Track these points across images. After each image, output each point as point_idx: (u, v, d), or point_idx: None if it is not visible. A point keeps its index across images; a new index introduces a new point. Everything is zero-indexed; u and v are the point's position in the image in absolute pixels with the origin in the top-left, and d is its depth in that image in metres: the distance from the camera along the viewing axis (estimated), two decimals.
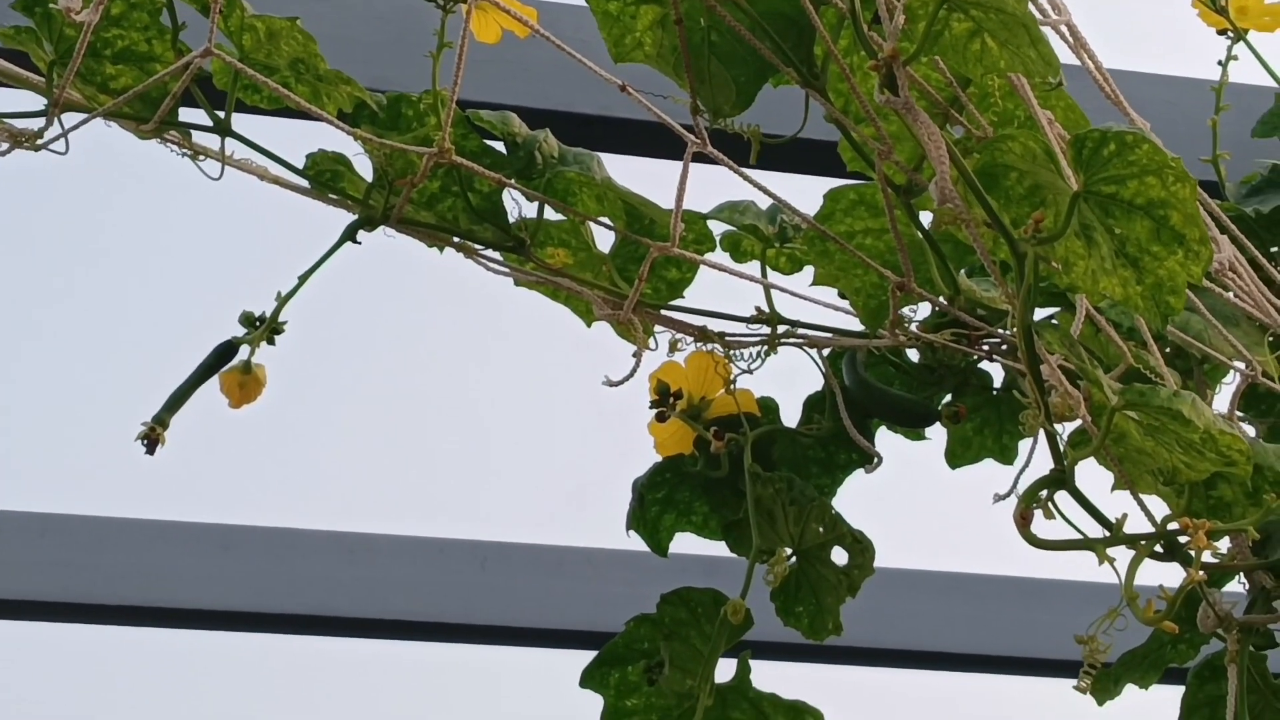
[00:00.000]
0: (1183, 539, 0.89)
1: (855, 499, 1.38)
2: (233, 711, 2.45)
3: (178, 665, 2.42)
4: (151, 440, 1.17)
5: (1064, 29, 0.94)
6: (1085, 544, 0.89)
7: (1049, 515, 0.88)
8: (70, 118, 1.14)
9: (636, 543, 1.88)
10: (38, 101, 1.17)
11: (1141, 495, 0.97)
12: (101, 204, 2.16)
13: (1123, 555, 0.91)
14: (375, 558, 2.23)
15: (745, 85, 1.05)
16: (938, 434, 1.43)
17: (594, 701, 1.30)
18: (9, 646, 2.30)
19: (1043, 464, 1.36)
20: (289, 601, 2.18)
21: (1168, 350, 1.23)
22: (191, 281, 2.27)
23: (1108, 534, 0.90)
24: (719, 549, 1.39)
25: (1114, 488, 0.99)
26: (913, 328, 1.25)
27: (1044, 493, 0.89)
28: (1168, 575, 0.97)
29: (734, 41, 1.03)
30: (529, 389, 2.40)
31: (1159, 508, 0.98)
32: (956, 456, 1.43)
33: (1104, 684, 1.16)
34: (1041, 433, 0.99)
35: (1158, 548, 0.93)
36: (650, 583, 2.24)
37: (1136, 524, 0.93)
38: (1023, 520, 0.86)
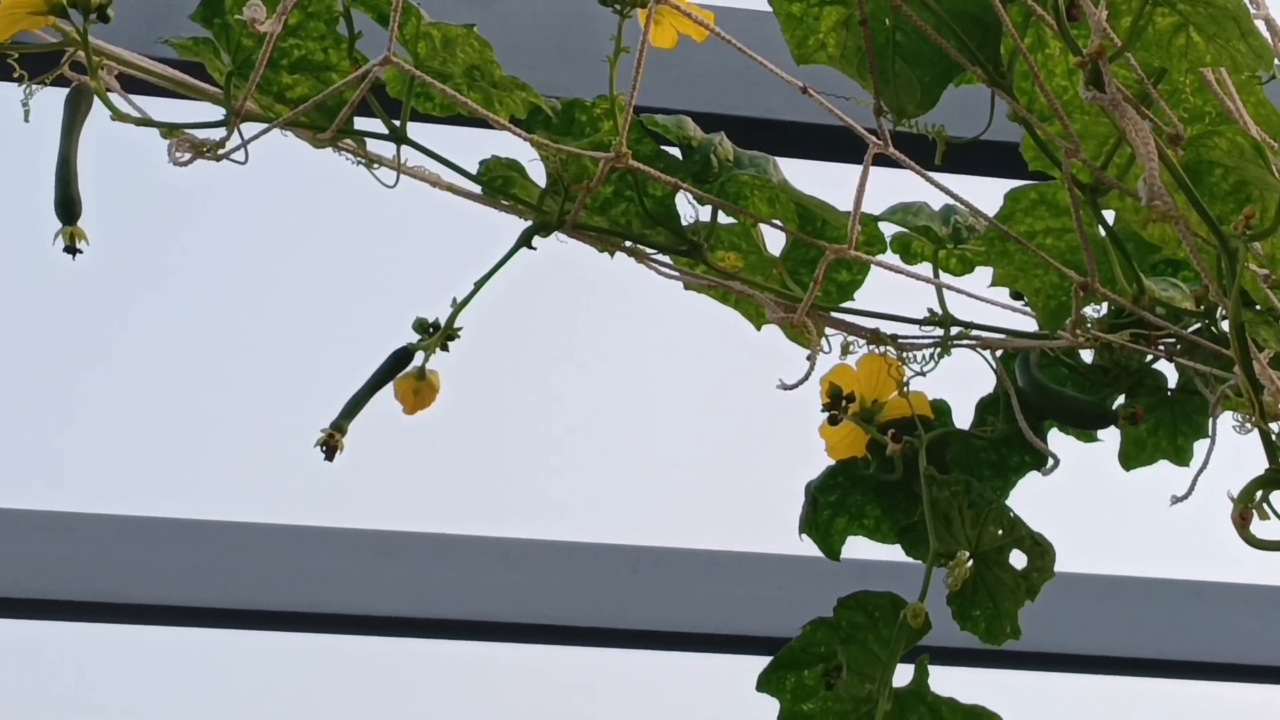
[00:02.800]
0: None
1: (1029, 501, 1.36)
2: (385, 714, 2.47)
3: (333, 669, 2.44)
4: (330, 447, 1.17)
5: (1263, 22, 0.92)
6: None
7: (1264, 516, 0.87)
8: (248, 127, 1.15)
9: (790, 546, 1.86)
10: (207, 111, 1.18)
11: None
12: (274, 211, 2.18)
13: None
14: (527, 563, 2.23)
15: (930, 85, 1.04)
16: (1109, 435, 1.41)
17: (752, 706, 1.29)
18: (175, 653, 2.33)
19: (1220, 465, 1.35)
20: (445, 607, 2.19)
21: None
22: (365, 288, 2.29)
23: None
24: (873, 552, 1.38)
25: None
26: (1090, 328, 1.24)
27: (1259, 493, 0.87)
28: None
29: (919, 41, 1.02)
30: (698, 393, 2.40)
31: None
32: (1130, 458, 1.41)
33: None
34: (1242, 423, 0.97)
35: None
36: (802, 586, 2.25)
37: None
38: (1241, 520, 0.84)
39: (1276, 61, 1.01)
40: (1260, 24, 0.94)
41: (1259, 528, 0.87)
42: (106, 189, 1.16)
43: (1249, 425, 0.90)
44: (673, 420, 2.47)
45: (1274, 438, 0.90)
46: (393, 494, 2.25)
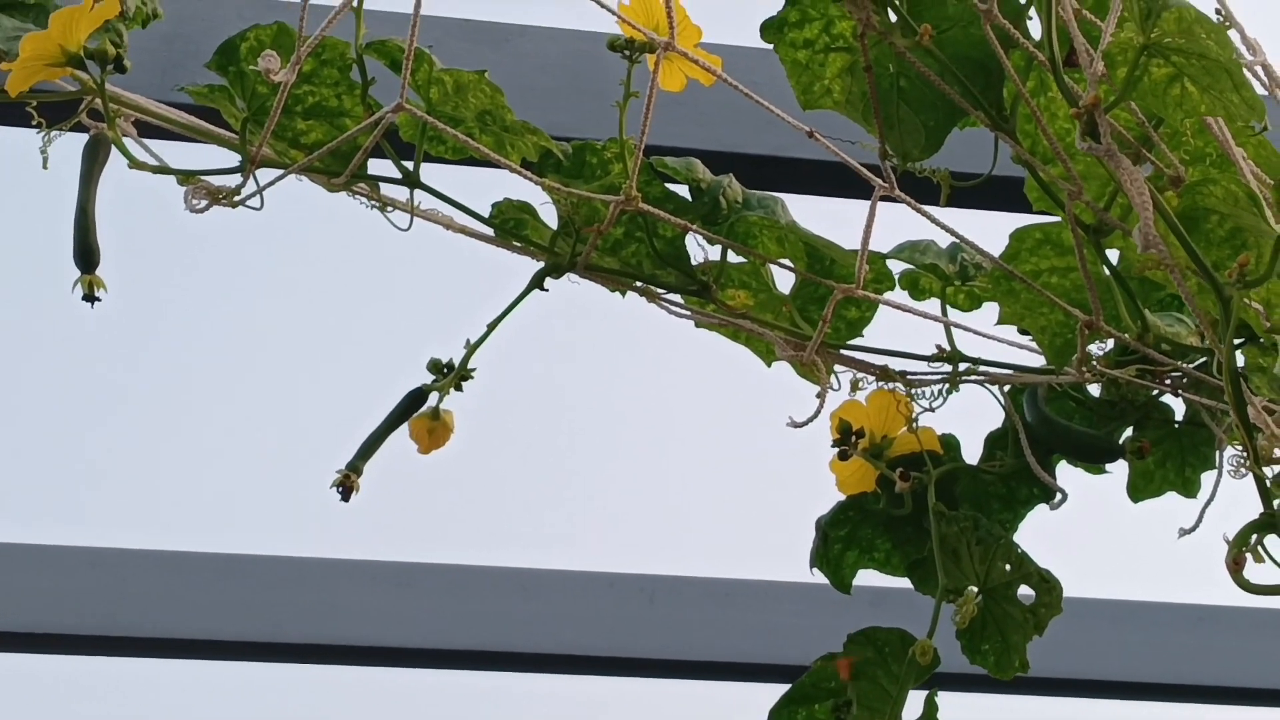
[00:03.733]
0: None
1: (1036, 529, 1.38)
2: None
3: (353, 702, 2.45)
4: (346, 487, 1.19)
5: (1260, 69, 0.93)
6: None
7: (1259, 559, 0.88)
8: (263, 173, 1.17)
9: (802, 575, 1.87)
10: (223, 156, 1.20)
11: None
12: (289, 254, 2.20)
13: None
14: (543, 593, 2.24)
15: (934, 130, 1.05)
16: (1117, 467, 1.42)
17: None
18: (195, 687, 2.35)
19: (1226, 496, 1.36)
20: (463, 638, 2.21)
21: None
22: (380, 329, 2.31)
23: None
24: (885, 580, 1.40)
25: None
26: (1096, 364, 1.25)
27: (1254, 537, 0.88)
28: None
29: (923, 87, 1.03)
30: (712, 427, 2.41)
31: None
32: (1139, 490, 1.43)
33: None
34: (1236, 468, 0.98)
35: None
36: (816, 614, 2.26)
37: None
38: (1235, 565, 0.86)
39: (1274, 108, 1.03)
40: (1259, 69, 0.95)
41: (1255, 570, 0.88)
42: (126, 231, 1.18)
43: (1244, 470, 0.92)
44: (687, 453, 2.49)
45: (1268, 482, 0.91)
46: (411, 526, 2.27)
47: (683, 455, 2.48)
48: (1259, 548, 0.87)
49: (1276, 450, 0.92)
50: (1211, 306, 0.90)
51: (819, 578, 1.39)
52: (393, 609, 2.21)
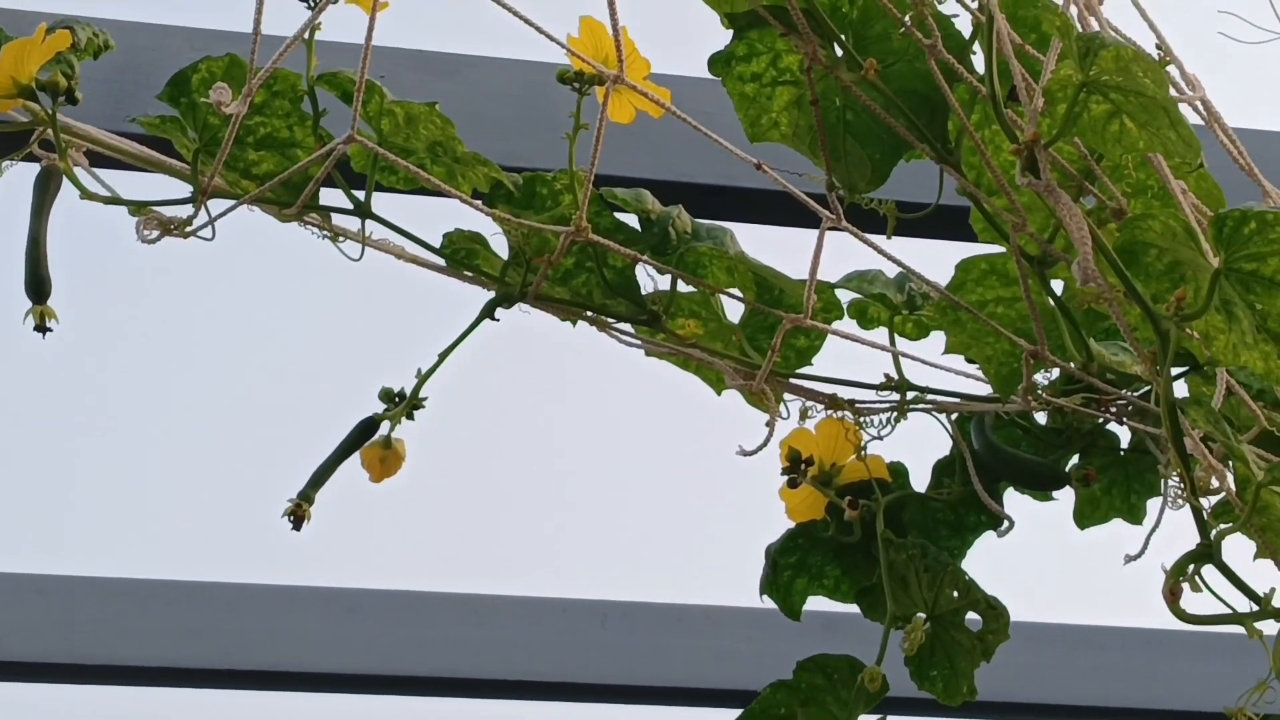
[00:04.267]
0: None
1: (984, 556, 1.39)
2: None
3: None
4: (298, 516, 1.19)
5: (1199, 104, 0.94)
6: (1234, 619, 0.89)
7: (1196, 589, 0.89)
8: (214, 203, 1.17)
9: (755, 600, 1.87)
10: (174, 187, 1.20)
11: None
12: (239, 284, 2.20)
13: (1269, 627, 0.92)
14: (495, 618, 2.25)
15: (880, 162, 1.06)
16: (1064, 494, 1.43)
17: None
18: (145, 712, 2.34)
19: (1171, 524, 1.38)
20: (414, 664, 2.21)
21: None
22: (331, 359, 2.32)
23: (1255, 607, 0.90)
24: (837, 605, 1.40)
25: (1256, 557, 1.00)
26: (1041, 393, 1.26)
27: (1190, 566, 0.89)
28: None
29: (869, 120, 1.04)
30: (662, 454, 2.42)
31: None
32: (1085, 517, 1.44)
33: None
34: (1174, 499, 0.99)
35: None
36: (768, 639, 2.26)
37: None
38: (1172, 596, 0.87)
39: (1224, 139, 1.04)
40: (1198, 104, 0.97)
41: (1192, 600, 0.89)
42: (77, 261, 1.18)
43: (1180, 501, 0.93)
44: (638, 480, 2.49)
45: (1205, 513, 0.93)
46: (360, 552, 2.27)
47: (634, 482, 2.49)
48: (1196, 577, 0.88)
49: (1214, 481, 0.93)
50: (1151, 338, 0.92)
51: (769, 603, 1.40)
52: (343, 635, 2.21)
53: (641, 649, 2.26)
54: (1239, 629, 1.00)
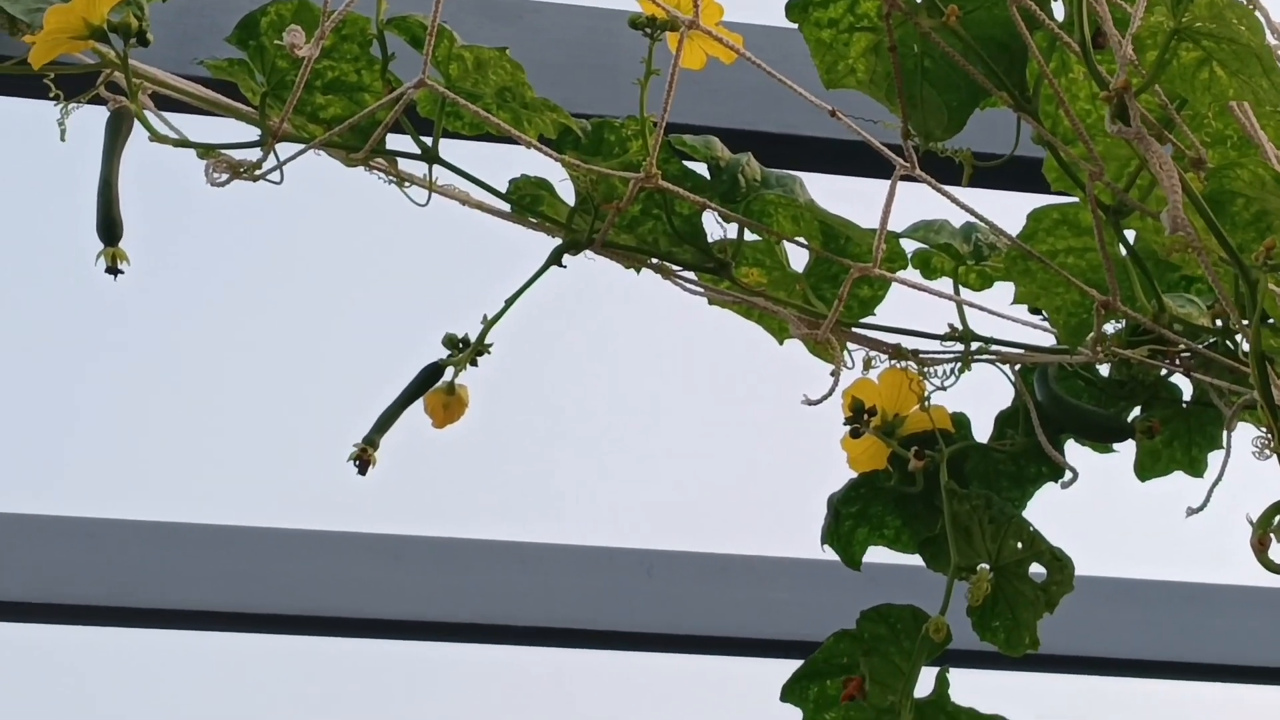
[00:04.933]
0: None
1: (1045, 508, 1.38)
2: (405, 716, 2.49)
3: (352, 673, 2.46)
4: (363, 461, 1.19)
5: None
6: None
7: None
8: (282, 147, 1.17)
9: (798, 550, 1.86)
10: (237, 130, 1.20)
11: None
12: (307, 227, 2.20)
13: None
14: (542, 566, 2.25)
15: (957, 110, 1.06)
16: (1124, 446, 1.43)
17: (766, 710, 1.31)
18: (187, 657, 2.35)
19: (1234, 476, 1.37)
20: (460, 610, 2.21)
21: None
22: (393, 306, 2.31)
23: None
24: (883, 557, 1.40)
25: None
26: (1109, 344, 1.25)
27: (1278, 519, 0.89)
28: None
29: (947, 67, 1.04)
30: (719, 403, 2.42)
31: None
32: (1146, 469, 1.43)
33: None
34: (1260, 449, 0.99)
35: None
36: (811, 590, 2.26)
37: None
38: (1260, 545, 0.86)
39: None
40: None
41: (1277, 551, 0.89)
42: (142, 205, 1.18)
43: (1268, 451, 0.92)
44: (687, 430, 2.49)
45: None
46: (407, 498, 2.27)
47: (684, 432, 2.49)
48: None
49: None
50: (1233, 288, 0.91)
51: (814, 553, 1.40)
52: (388, 581, 2.21)
53: (686, 598, 2.26)
54: None
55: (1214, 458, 1.42)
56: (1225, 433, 1.37)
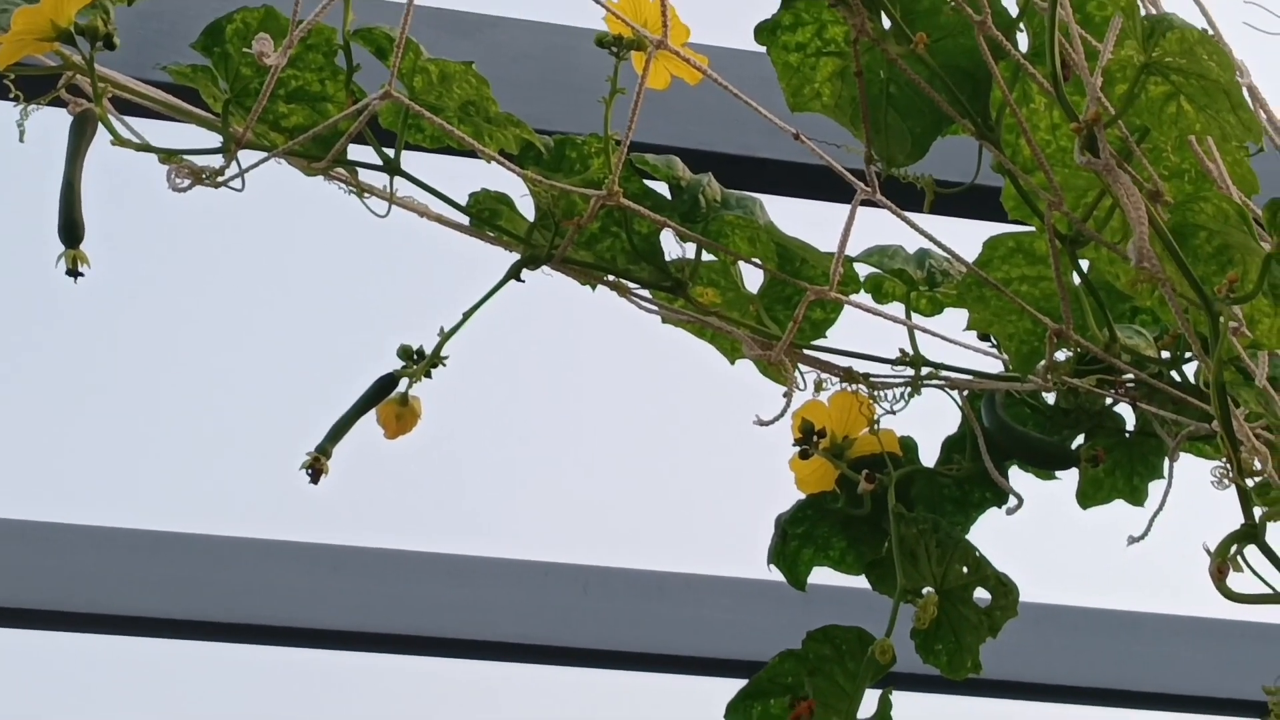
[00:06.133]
0: None
1: (988, 533, 1.40)
2: None
3: (286, 683, 2.45)
4: (316, 470, 1.19)
5: (1245, 91, 0.95)
6: (1278, 598, 0.90)
7: (1238, 569, 0.90)
8: (244, 155, 1.17)
9: (736, 570, 1.87)
10: (196, 136, 1.20)
11: None
12: (266, 235, 2.20)
13: None
14: (479, 579, 2.25)
15: (920, 136, 1.07)
16: (1066, 474, 1.44)
17: None
18: (126, 662, 2.34)
19: (1178, 506, 1.39)
20: (397, 622, 2.21)
21: None
22: (349, 317, 2.31)
23: None
24: (821, 578, 1.41)
25: None
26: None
27: (1234, 547, 0.90)
28: None
29: (912, 94, 1.05)
30: (672, 423, 2.43)
31: None
32: (1088, 497, 1.45)
33: None
34: (1219, 479, 1.00)
35: None
36: (746, 610, 2.27)
37: None
38: (1219, 574, 0.87)
39: (1269, 128, 1.05)
40: (1244, 90, 0.97)
41: (1233, 580, 0.90)
42: (104, 210, 1.18)
43: (1227, 481, 0.94)
44: (637, 446, 2.50)
45: (1249, 492, 0.93)
46: (347, 509, 2.27)
47: (631, 448, 2.49)
48: (1239, 557, 0.89)
49: (1256, 463, 0.94)
50: (1198, 321, 0.92)
51: (750, 573, 1.41)
52: (327, 591, 2.21)
53: (623, 615, 2.27)
54: (1234, 614, 1.01)
55: (1155, 487, 1.43)
56: (1168, 462, 1.39)
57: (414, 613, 2.21)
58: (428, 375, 1.23)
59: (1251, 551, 0.90)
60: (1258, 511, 0.91)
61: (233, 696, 2.50)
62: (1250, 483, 0.94)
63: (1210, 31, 0.91)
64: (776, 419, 1.25)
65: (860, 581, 1.39)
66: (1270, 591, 0.89)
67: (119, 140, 1.12)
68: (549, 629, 2.24)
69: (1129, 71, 0.88)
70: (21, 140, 1.14)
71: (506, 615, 2.23)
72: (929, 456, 1.39)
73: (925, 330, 1.29)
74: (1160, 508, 1.36)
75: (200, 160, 1.16)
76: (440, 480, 2.46)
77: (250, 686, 2.47)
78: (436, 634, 2.22)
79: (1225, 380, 0.97)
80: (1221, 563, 0.87)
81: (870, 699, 1.30)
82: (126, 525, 2.17)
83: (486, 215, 1.23)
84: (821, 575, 1.41)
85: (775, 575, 1.38)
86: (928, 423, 1.39)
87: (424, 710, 2.52)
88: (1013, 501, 1.37)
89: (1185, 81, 0.87)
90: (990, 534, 1.40)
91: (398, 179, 1.20)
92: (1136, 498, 1.44)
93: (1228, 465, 0.92)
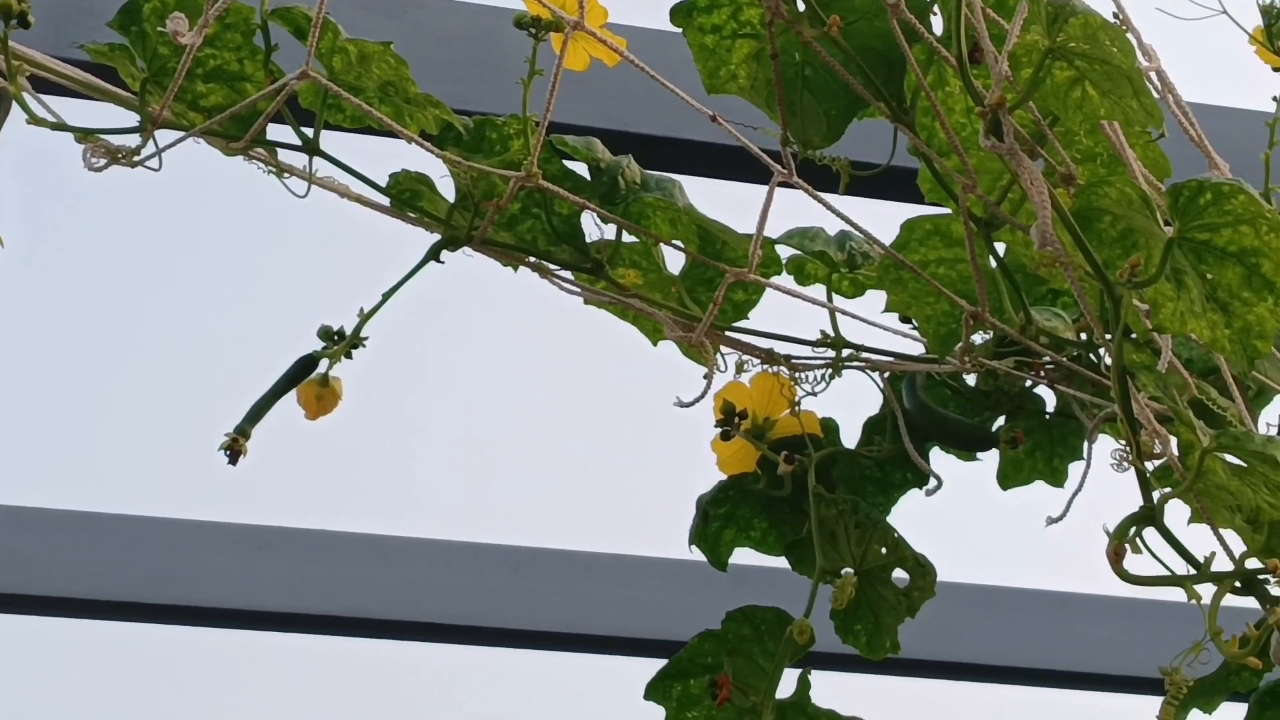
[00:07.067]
0: (1267, 578, 0.92)
1: (908, 515, 1.40)
2: (261, 710, 2.48)
3: (210, 663, 2.45)
4: (234, 451, 1.19)
5: (1154, 76, 0.96)
6: (1174, 580, 0.91)
7: (1137, 551, 0.91)
8: (162, 134, 1.16)
9: (665, 550, 1.87)
10: (114, 115, 1.19)
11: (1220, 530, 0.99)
12: (183, 213, 2.19)
13: (1205, 590, 0.94)
14: (407, 560, 2.25)
15: (835, 119, 1.07)
16: (987, 455, 1.45)
17: (627, 707, 1.32)
18: (48, 644, 2.33)
19: (1093, 487, 1.40)
20: (324, 603, 2.21)
21: (1210, 377, 1.26)
22: (268, 297, 2.30)
23: (1194, 570, 0.92)
24: (749, 559, 1.42)
25: (1191, 521, 1.02)
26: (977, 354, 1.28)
27: (1133, 529, 0.91)
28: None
29: (827, 76, 1.05)
30: (593, 403, 2.43)
31: (1235, 542, 1.01)
32: (1008, 478, 1.46)
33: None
34: (1119, 461, 1.01)
35: (1237, 583, 0.95)
36: (676, 590, 2.28)
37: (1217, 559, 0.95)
38: (1116, 556, 0.88)
39: (1177, 111, 1.06)
40: (1153, 75, 0.98)
41: (1132, 561, 0.91)
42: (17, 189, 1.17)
43: (1126, 464, 0.95)
44: (562, 427, 2.50)
45: (1148, 476, 0.94)
46: (272, 489, 2.26)
47: (554, 429, 2.49)
48: (1138, 539, 0.90)
49: (1156, 446, 0.95)
50: (1098, 303, 0.93)
51: (681, 553, 1.41)
52: (252, 572, 2.21)
53: (552, 595, 2.27)
54: (1150, 594, 1.02)
55: (1075, 468, 1.44)
56: (1086, 444, 1.40)
57: (341, 593, 2.21)
58: (348, 356, 1.23)
59: (1151, 534, 0.91)
60: (1157, 494, 0.92)
61: (156, 678, 2.49)
62: (1151, 466, 0.95)
63: (1115, 17, 0.92)
64: (697, 400, 1.26)
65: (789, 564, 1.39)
66: (1166, 574, 0.90)
67: (35, 119, 1.12)
68: (478, 610, 2.25)
69: (1034, 56, 0.88)
70: None
71: (435, 596, 2.23)
72: (850, 438, 1.39)
73: (846, 312, 1.30)
74: (1079, 488, 1.37)
75: (117, 140, 1.16)
76: (368, 461, 2.46)
77: (173, 668, 2.46)
78: (364, 615, 2.21)
79: (1134, 363, 0.98)
80: (1119, 545, 0.88)
81: (790, 678, 1.32)
82: (47, 505, 2.15)
83: (407, 196, 1.23)
84: (752, 556, 1.41)
85: (700, 555, 1.39)
86: (849, 404, 1.40)
87: (350, 690, 2.52)
88: (933, 483, 1.38)
89: (1089, 67, 0.88)
90: (911, 515, 1.41)
91: (318, 159, 1.20)
92: (1056, 479, 1.46)
93: (1127, 448, 0.93)
